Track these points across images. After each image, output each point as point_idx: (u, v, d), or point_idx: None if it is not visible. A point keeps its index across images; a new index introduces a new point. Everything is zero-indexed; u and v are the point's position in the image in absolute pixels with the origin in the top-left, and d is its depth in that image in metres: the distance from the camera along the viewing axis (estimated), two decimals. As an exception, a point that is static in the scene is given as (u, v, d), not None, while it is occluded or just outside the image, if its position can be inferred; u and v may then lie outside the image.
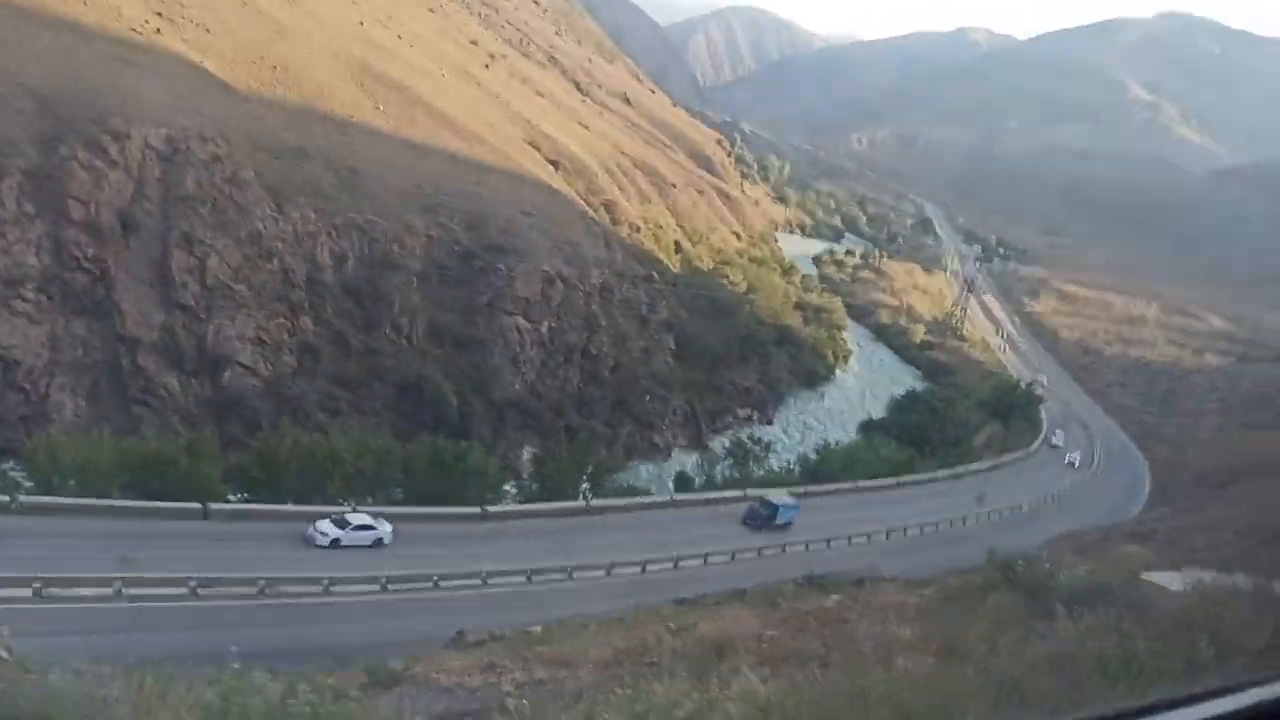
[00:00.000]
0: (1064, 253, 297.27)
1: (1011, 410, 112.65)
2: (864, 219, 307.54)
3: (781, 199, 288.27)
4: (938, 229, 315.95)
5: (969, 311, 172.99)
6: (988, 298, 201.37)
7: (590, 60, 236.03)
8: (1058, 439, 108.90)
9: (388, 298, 78.85)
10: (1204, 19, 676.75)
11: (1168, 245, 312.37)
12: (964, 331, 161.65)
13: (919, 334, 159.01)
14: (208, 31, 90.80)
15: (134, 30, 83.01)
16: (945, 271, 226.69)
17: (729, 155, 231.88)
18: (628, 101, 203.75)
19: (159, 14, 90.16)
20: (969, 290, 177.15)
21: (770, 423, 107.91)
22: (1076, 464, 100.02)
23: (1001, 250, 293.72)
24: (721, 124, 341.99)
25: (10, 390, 58.93)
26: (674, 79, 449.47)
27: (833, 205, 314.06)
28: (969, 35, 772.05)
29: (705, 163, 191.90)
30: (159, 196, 67.83)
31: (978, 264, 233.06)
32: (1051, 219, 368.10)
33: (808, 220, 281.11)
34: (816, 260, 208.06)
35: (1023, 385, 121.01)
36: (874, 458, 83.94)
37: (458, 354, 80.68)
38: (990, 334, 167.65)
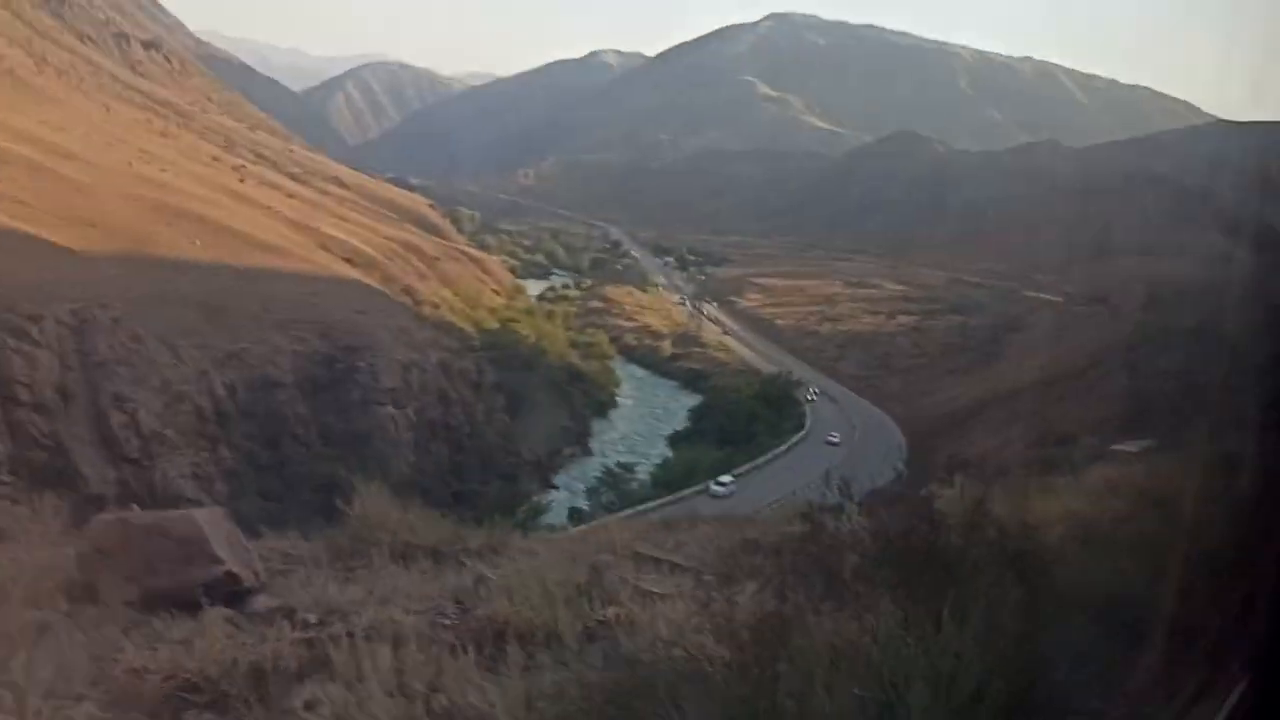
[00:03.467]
0: (743, 250, 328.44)
1: (782, 400, 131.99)
2: (562, 252, 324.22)
3: (483, 246, 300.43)
4: (630, 250, 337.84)
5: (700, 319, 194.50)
6: (704, 304, 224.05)
7: (292, 150, 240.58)
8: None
9: (279, 413, 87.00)
10: (805, 15, 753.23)
11: (821, 226, 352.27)
12: (704, 339, 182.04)
13: (667, 349, 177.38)
14: (23, 203, 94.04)
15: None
16: (657, 287, 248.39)
17: (444, 216, 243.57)
18: (343, 184, 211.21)
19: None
20: (696, 303, 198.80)
21: (590, 453, 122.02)
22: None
23: (692, 257, 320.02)
24: (389, 181, 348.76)
25: (9, 567, 64.11)
26: (324, 144, 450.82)
27: (528, 243, 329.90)
28: (601, 58, 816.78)
29: (432, 228, 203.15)
30: (80, 365, 73.67)
31: (688, 275, 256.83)
32: (717, 221, 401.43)
33: (514, 262, 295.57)
34: (542, 299, 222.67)
35: (781, 377, 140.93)
36: (706, 460, 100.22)
37: (350, 449, 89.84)
38: (724, 336, 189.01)
